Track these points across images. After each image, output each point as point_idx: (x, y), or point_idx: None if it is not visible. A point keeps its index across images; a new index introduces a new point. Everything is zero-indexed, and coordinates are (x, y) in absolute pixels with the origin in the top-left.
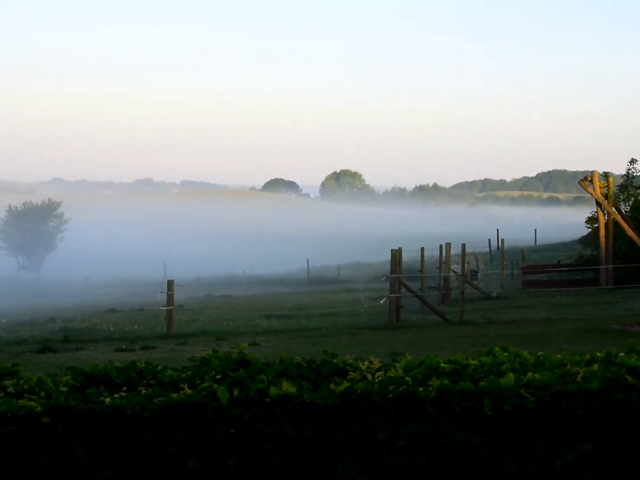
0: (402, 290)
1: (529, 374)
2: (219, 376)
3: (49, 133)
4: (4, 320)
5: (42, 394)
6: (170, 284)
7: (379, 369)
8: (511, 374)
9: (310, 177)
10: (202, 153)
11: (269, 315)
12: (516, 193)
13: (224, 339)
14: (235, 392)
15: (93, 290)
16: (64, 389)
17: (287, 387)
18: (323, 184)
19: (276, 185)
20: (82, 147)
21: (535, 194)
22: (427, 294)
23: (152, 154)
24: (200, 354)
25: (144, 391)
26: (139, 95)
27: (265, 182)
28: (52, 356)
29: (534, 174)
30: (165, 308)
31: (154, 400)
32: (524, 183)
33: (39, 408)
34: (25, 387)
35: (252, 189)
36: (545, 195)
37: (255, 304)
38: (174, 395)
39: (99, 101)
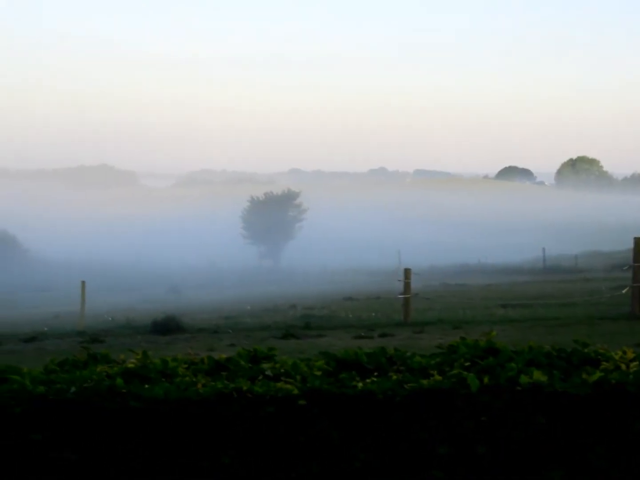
0: None
1: None
2: (467, 363)
3: (286, 125)
4: (248, 307)
5: (298, 377)
6: (407, 272)
7: (633, 359)
8: None
9: (545, 165)
10: (436, 142)
11: (505, 304)
12: None
13: (460, 327)
14: (485, 380)
15: (331, 278)
16: (318, 373)
17: (538, 375)
18: (559, 172)
19: (510, 173)
20: (318, 138)
21: None
22: None
23: (385, 143)
24: (437, 342)
25: (394, 377)
26: (373, 86)
27: (499, 169)
28: (295, 342)
29: None
30: (402, 296)
31: (404, 385)
32: None
33: (296, 391)
34: (282, 370)
35: (486, 177)
36: None
37: (490, 292)
38: (424, 382)
39: (339, 93)
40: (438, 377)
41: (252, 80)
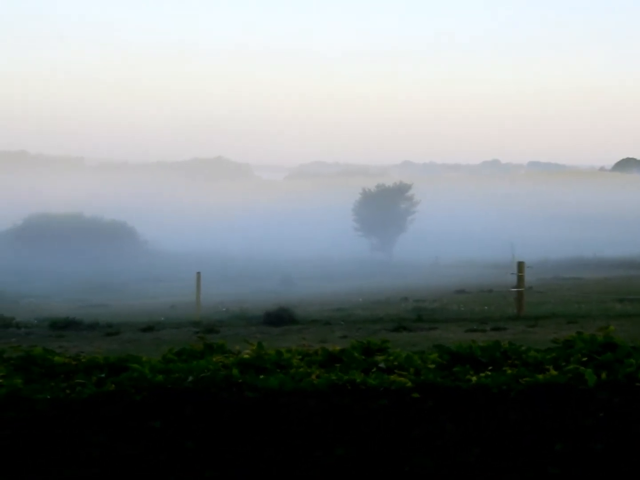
0: None
1: None
2: (584, 359)
3: (399, 116)
4: (360, 299)
5: (411, 370)
6: (520, 265)
7: None
8: None
9: None
10: (550, 133)
11: (622, 298)
12: None
13: (575, 321)
14: (603, 376)
15: (442, 271)
16: (432, 366)
17: None
18: None
19: (627, 165)
20: (431, 130)
21: None
22: None
23: (498, 135)
24: (551, 337)
25: (509, 371)
26: (484, 77)
27: (616, 161)
28: (407, 335)
29: None
30: (515, 289)
31: (519, 380)
32: None
33: (409, 384)
34: (395, 363)
35: (602, 169)
36: None
37: (606, 286)
38: (540, 376)
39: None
40: (554, 372)
41: (364, 72)
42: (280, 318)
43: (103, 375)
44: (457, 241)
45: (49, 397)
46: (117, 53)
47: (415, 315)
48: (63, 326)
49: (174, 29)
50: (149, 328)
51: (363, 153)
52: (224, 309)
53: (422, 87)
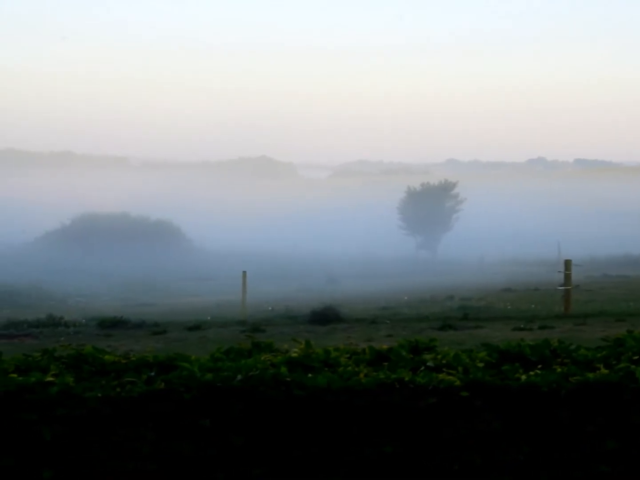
0: None
1: None
2: (636, 357)
3: (442, 114)
4: (405, 298)
5: (460, 368)
6: (567, 263)
7: None
8: None
9: None
10: (597, 130)
11: None
12: None
13: (623, 319)
14: None
15: (488, 269)
16: (480, 364)
17: None
18: None
19: None
20: (475, 127)
21: None
22: None
23: (544, 132)
24: (599, 335)
25: (559, 369)
26: (529, 72)
27: None
28: (453, 333)
29: None
30: (562, 288)
31: (569, 378)
32: None
33: (458, 382)
34: (444, 361)
35: None
36: None
37: None
38: (590, 375)
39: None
40: (605, 371)
41: (407, 68)
42: (326, 317)
43: (153, 373)
44: (503, 239)
45: (100, 395)
46: (161, 52)
47: (461, 313)
48: (110, 325)
49: (219, 26)
50: (195, 327)
51: (407, 151)
52: (269, 308)
53: (466, 83)
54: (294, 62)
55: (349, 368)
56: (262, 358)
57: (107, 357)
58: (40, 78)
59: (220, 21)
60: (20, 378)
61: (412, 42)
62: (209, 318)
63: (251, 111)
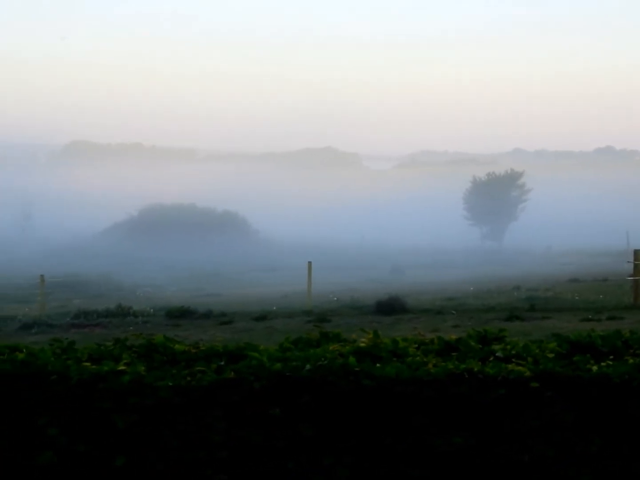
0: None
1: None
2: None
3: (508, 103)
4: (471, 288)
5: (530, 359)
6: (637, 253)
7: None
8: None
9: None
10: None
11: None
12: None
13: None
14: None
15: (555, 259)
16: (551, 355)
17: None
18: None
19: None
20: (541, 116)
21: None
22: None
23: (614, 121)
24: None
25: (631, 360)
26: (597, 61)
27: None
28: (519, 324)
29: None
30: (631, 278)
31: None
32: None
33: (528, 373)
34: (513, 352)
35: None
36: None
37: None
38: None
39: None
40: None
41: (474, 58)
42: (391, 307)
43: (222, 363)
44: (570, 229)
45: (170, 384)
46: (226, 45)
47: (528, 304)
48: (178, 315)
49: (284, 19)
50: (261, 317)
51: (472, 141)
52: (334, 298)
53: (532, 70)
54: (359, 53)
55: (418, 358)
56: (331, 348)
57: (177, 346)
58: (112, 71)
59: (287, 13)
60: (94, 367)
61: (476, 30)
62: (274, 308)
63: (317, 102)
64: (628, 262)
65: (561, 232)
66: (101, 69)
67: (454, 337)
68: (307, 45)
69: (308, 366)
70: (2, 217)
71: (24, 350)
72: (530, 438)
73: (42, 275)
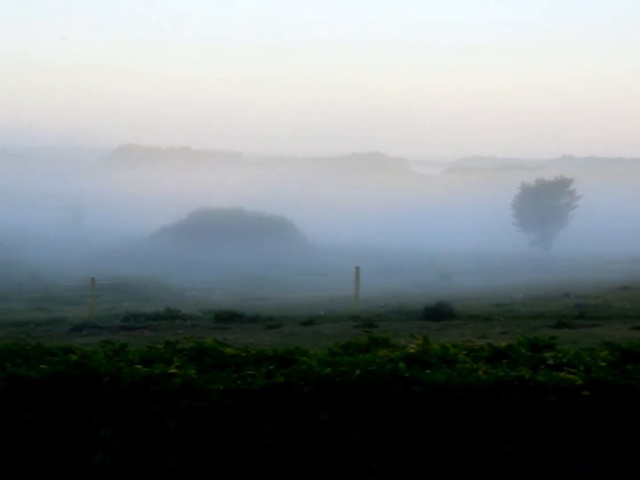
0: None
1: None
2: None
3: (557, 109)
4: (520, 295)
5: (581, 367)
6: None
7: None
8: None
9: None
10: None
11: None
12: None
13: None
14: None
15: (605, 266)
16: (603, 363)
17: None
18: None
19: None
20: (591, 123)
21: None
22: None
23: None
24: None
25: None
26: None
27: None
28: (568, 332)
29: None
30: None
31: None
32: None
33: (579, 381)
34: (564, 360)
35: None
36: None
37: None
38: None
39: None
40: None
41: (522, 64)
42: (439, 313)
43: (272, 367)
44: (621, 236)
45: (221, 387)
46: (274, 50)
47: (577, 311)
48: (226, 318)
49: (334, 24)
50: (309, 321)
51: (521, 147)
52: (382, 304)
53: (582, 76)
54: (409, 58)
55: (467, 365)
56: (380, 353)
57: (227, 350)
58: (161, 76)
59: (336, 18)
60: (146, 369)
61: (525, 35)
62: (322, 313)
63: (365, 107)
64: None
65: (611, 238)
66: (150, 74)
67: (503, 343)
68: (357, 51)
69: (358, 371)
70: (53, 220)
71: (77, 351)
72: (581, 447)
73: (92, 278)
